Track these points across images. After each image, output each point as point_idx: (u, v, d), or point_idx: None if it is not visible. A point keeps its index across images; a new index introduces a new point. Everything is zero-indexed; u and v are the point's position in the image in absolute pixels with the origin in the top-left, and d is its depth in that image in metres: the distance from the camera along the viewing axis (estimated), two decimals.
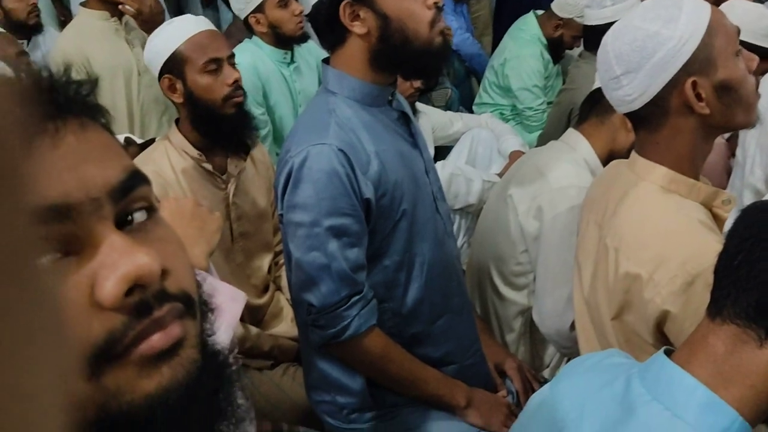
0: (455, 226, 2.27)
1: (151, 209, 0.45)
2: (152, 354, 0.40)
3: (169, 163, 1.63)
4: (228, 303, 0.97)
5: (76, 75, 0.45)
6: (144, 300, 0.40)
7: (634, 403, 0.71)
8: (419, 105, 2.51)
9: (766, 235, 0.69)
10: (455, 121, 2.61)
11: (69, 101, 0.43)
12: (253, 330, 1.71)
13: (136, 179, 0.44)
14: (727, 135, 2.20)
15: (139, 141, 1.91)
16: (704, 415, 0.67)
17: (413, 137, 1.36)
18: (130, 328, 0.39)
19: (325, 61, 1.31)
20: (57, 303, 0.16)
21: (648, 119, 1.18)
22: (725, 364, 0.68)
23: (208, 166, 1.65)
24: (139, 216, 0.44)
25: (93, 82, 0.46)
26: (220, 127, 1.62)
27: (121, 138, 1.84)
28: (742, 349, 0.68)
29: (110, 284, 0.38)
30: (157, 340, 0.40)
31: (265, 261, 1.83)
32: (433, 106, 2.78)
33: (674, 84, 1.10)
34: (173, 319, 0.41)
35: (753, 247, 0.70)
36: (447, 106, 2.95)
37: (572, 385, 0.82)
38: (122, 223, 0.43)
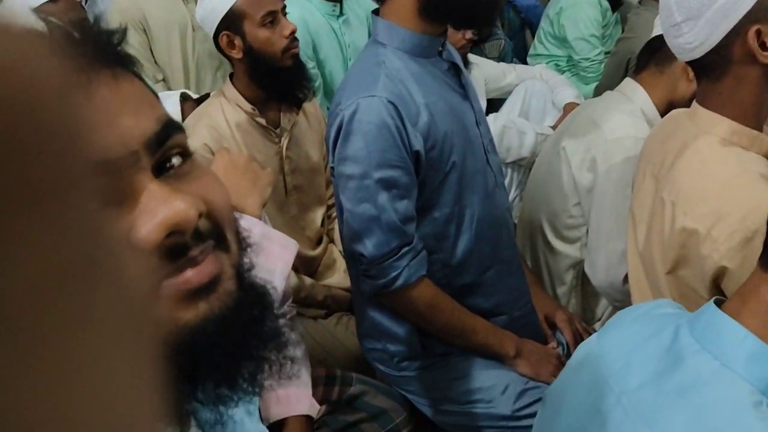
0: (507, 180, 2.25)
1: (185, 154, 0.46)
2: (188, 289, 0.42)
3: (224, 117, 1.66)
4: (279, 250, 1.00)
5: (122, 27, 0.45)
6: (181, 242, 0.42)
7: (683, 353, 0.71)
8: (471, 56, 2.47)
9: None
10: (508, 72, 2.56)
11: (100, 52, 0.43)
12: (308, 280, 1.75)
13: (171, 129, 0.45)
14: None
15: (194, 96, 1.95)
16: (753, 365, 0.66)
17: (463, 88, 1.35)
18: (162, 268, 0.41)
19: (375, 12, 1.30)
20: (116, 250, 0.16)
21: (710, 68, 1.14)
22: None
23: (262, 121, 1.68)
24: (175, 161, 0.45)
25: (123, 32, 0.46)
26: (279, 80, 1.64)
27: (177, 94, 1.88)
28: None
29: (147, 229, 0.40)
30: (192, 276, 0.42)
31: (319, 214, 1.86)
32: (486, 57, 2.73)
33: (737, 32, 1.06)
34: (207, 255, 0.43)
35: None
36: (500, 58, 2.89)
37: (620, 335, 0.82)
38: (159, 169, 0.44)
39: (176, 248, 0.42)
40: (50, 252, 0.13)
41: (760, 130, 1.15)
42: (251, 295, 0.46)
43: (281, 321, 0.48)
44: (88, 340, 0.14)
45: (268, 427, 1.31)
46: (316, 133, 1.82)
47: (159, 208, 0.41)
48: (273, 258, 0.99)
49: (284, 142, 1.72)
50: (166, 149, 0.44)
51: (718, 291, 1.11)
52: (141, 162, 0.42)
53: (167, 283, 0.42)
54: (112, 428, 0.15)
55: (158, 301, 0.41)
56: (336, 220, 1.82)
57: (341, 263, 1.86)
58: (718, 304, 0.73)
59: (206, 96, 1.87)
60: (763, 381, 0.66)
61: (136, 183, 0.42)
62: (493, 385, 1.37)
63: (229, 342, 0.43)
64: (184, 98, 1.89)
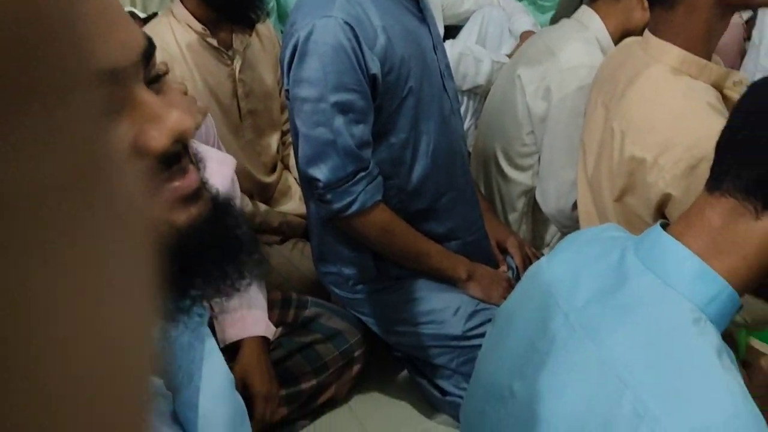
0: (463, 108, 2.25)
1: (160, 70, 0.49)
2: (183, 194, 0.46)
3: (174, 37, 1.60)
4: (217, 167, 0.99)
5: None
6: (179, 150, 0.45)
7: (628, 273, 0.74)
8: None
9: None
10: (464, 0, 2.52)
11: None
12: (262, 207, 1.75)
13: (153, 43, 0.47)
14: (745, 16, 2.13)
15: (141, 15, 1.87)
16: (695, 284, 0.69)
17: (421, 12, 1.33)
18: (161, 171, 0.45)
19: None
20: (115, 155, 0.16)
21: None
22: (720, 236, 0.70)
23: (213, 42, 1.63)
24: (155, 76, 0.48)
25: None
26: None
27: None
28: (737, 221, 0.69)
29: (158, 136, 0.43)
30: (185, 182, 0.46)
31: (274, 139, 1.84)
32: None
33: None
34: (189, 165, 0.47)
35: (757, 122, 0.70)
36: None
37: (568, 257, 0.84)
38: (148, 83, 0.46)
39: (174, 156, 0.45)
40: (51, 153, 0.13)
41: (710, 59, 1.17)
42: (217, 202, 0.50)
43: (242, 230, 0.51)
44: (87, 242, 0.14)
45: (224, 349, 1.33)
46: (270, 56, 1.77)
47: (166, 117, 0.43)
48: (212, 175, 0.99)
49: (237, 64, 1.67)
50: (152, 63, 0.47)
51: (662, 218, 1.15)
52: (139, 73, 0.44)
53: (165, 188, 0.45)
54: (110, 324, 0.15)
55: (155, 205, 0.44)
56: (291, 146, 1.80)
57: (296, 190, 1.85)
58: (664, 227, 0.76)
59: (154, 15, 1.79)
60: (704, 299, 0.69)
61: (135, 92, 0.44)
62: (445, 307, 1.41)
63: (213, 244, 0.48)
64: (131, 17, 1.81)
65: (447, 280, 1.43)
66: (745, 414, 0.61)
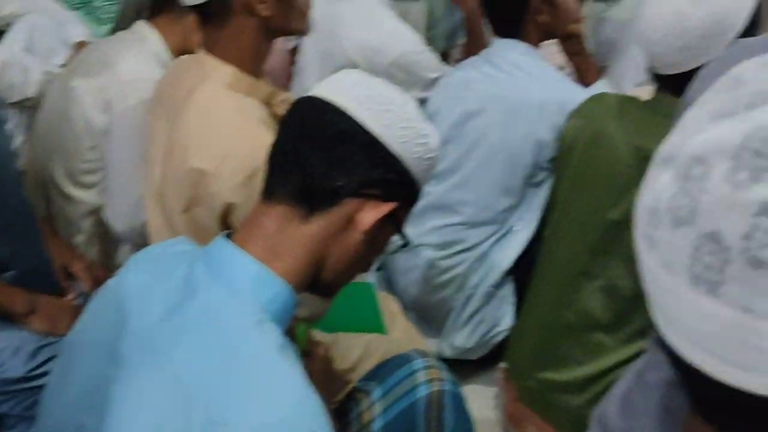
0: (12, 123, 2.02)
1: None
2: None
3: None
4: None
5: None
6: None
7: (197, 286, 0.75)
8: None
9: (309, 126, 0.78)
10: (7, 1, 2.27)
11: None
12: None
13: None
14: (291, 45, 2.38)
15: None
16: (255, 288, 0.74)
17: None
18: None
19: None
20: None
21: (214, 16, 1.21)
22: (275, 241, 0.76)
23: None
24: None
25: None
26: None
27: None
28: (288, 226, 0.77)
29: None
30: None
31: None
32: None
33: None
34: None
35: (299, 137, 0.78)
36: None
37: (138, 276, 0.82)
38: None
39: None
40: None
41: (258, 78, 1.27)
42: None
43: None
44: None
45: None
46: None
47: None
48: None
49: None
50: None
51: (227, 227, 1.21)
52: None
53: None
54: None
55: None
56: None
57: None
58: (229, 236, 0.79)
59: None
60: (264, 301, 0.74)
61: None
62: (2, 348, 1.24)
63: None
64: None
65: (3, 317, 1.26)
66: (306, 401, 0.67)
